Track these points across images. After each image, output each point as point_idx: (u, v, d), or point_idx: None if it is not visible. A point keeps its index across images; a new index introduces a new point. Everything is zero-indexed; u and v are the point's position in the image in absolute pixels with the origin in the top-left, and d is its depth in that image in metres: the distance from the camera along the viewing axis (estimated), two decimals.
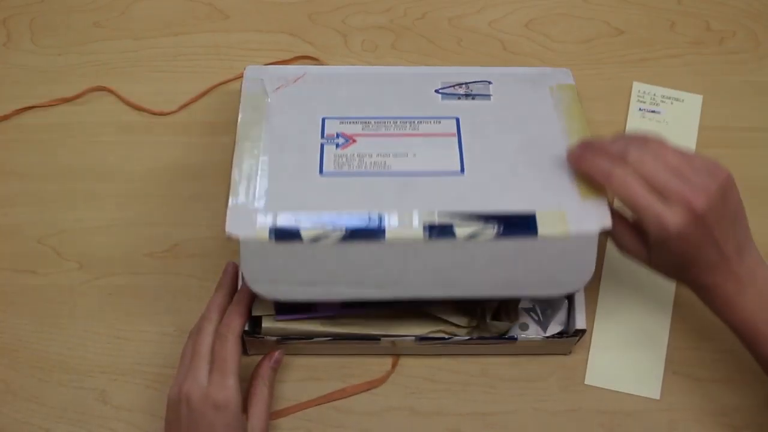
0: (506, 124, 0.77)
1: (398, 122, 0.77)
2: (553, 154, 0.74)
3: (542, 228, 0.69)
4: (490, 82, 0.81)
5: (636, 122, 0.90)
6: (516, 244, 0.69)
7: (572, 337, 0.77)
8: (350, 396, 0.80)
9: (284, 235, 0.68)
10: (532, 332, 0.78)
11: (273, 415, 0.78)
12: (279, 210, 0.69)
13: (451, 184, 0.72)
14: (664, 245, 0.66)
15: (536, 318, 0.78)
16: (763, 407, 0.80)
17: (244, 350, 0.79)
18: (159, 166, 0.88)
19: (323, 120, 0.77)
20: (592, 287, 0.83)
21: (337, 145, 0.75)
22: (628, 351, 0.82)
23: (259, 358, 0.80)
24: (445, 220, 0.69)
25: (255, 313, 0.76)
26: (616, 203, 0.70)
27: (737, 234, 0.68)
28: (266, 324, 0.76)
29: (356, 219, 0.69)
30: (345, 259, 0.69)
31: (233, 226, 0.68)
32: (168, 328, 0.82)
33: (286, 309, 0.75)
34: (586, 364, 0.81)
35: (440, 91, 0.80)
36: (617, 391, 0.81)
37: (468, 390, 0.80)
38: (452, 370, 0.81)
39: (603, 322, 0.83)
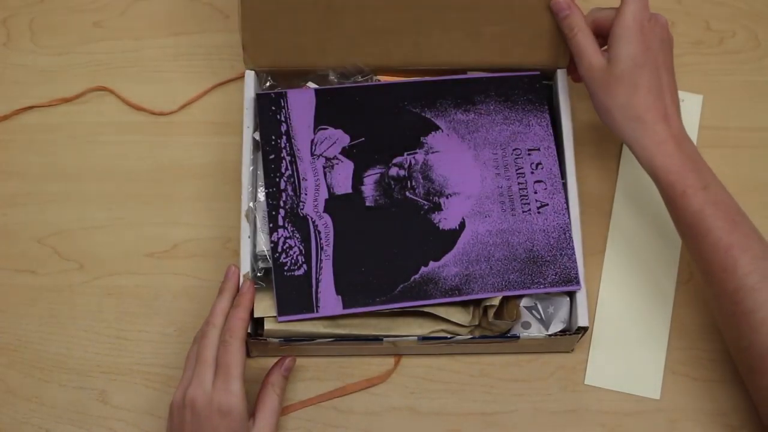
0: None
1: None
2: None
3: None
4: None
5: None
6: None
7: (575, 334, 0.77)
8: (351, 394, 0.80)
9: None
10: (535, 331, 0.78)
11: None
12: None
13: None
14: (627, 34, 0.75)
15: (538, 316, 0.78)
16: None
17: (248, 353, 0.79)
18: (159, 166, 0.88)
19: None
20: (593, 287, 0.83)
21: None
22: (628, 351, 0.82)
23: (262, 359, 0.80)
24: None
25: (257, 315, 0.76)
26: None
27: (675, 89, 0.77)
28: (268, 326, 0.76)
29: None
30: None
31: None
32: (168, 328, 0.82)
33: (287, 310, 0.75)
34: (586, 363, 0.81)
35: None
36: (617, 391, 0.81)
37: (468, 390, 0.80)
38: (452, 370, 0.81)
39: (603, 323, 0.83)
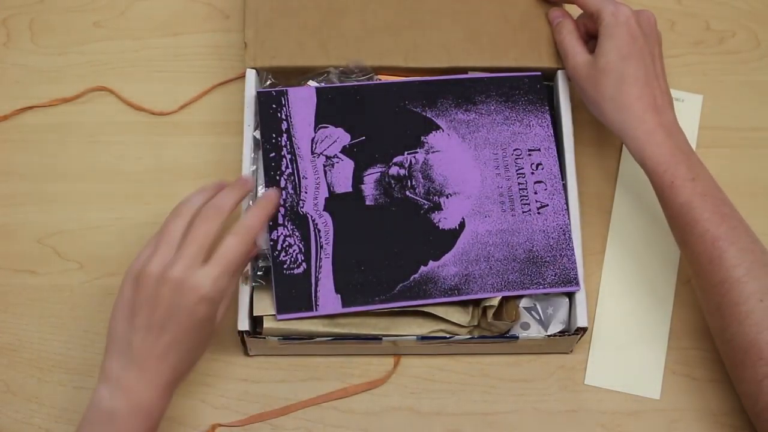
0: None
1: None
2: None
3: None
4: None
5: None
6: None
7: (574, 335, 0.77)
8: (351, 395, 0.80)
9: None
10: (534, 331, 0.78)
11: (274, 413, 0.79)
12: None
13: None
14: (612, 28, 0.77)
15: (537, 317, 0.78)
16: None
17: (246, 351, 0.79)
18: (159, 166, 0.88)
19: None
20: (592, 287, 0.83)
21: None
22: (628, 351, 0.82)
23: (262, 359, 0.80)
24: None
25: (256, 313, 0.76)
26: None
27: (665, 83, 0.79)
28: (267, 324, 0.76)
29: None
30: None
31: None
32: None
33: (286, 308, 0.75)
34: (586, 364, 0.81)
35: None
36: (617, 391, 0.81)
37: (468, 390, 0.80)
38: (452, 370, 0.81)
39: (603, 323, 0.83)
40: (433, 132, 0.81)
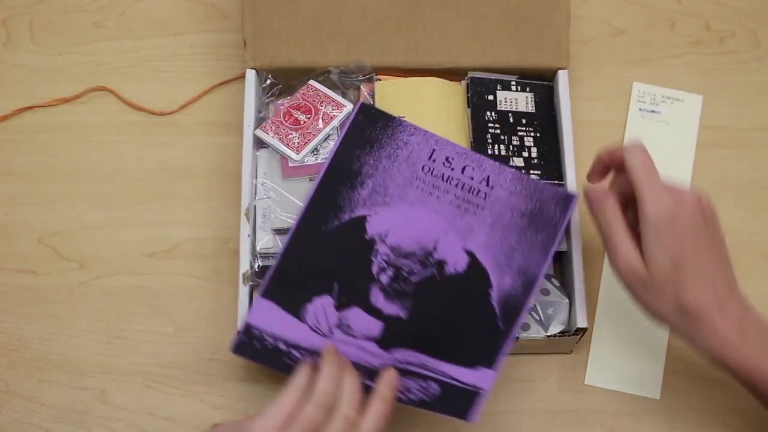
0: None
1: None
2: None
3: None
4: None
5: (636, 122, 0.90)
6: None
7: (573, 335, 0.77)
8: None
9: None
10: (534, 332, 0.78)
11: None
12: None
13: None
14: (656, 233, 0.67)
15: (537, 318, 0.78)
16: (761, 408, 0.80)
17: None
18: (159, 166, 0.88)
19: None
20: (593, 288, 0.83)
21: None
22: (628, 351, 0.82)
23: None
24: None
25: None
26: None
27: (726, 264, 0.69)
28: None
29: None
30: None
31: None
32: (168, 328, 0.82)
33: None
34: (586, 364, 0.81)
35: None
36: (617, 391, 0.81)
37: None
38: None
39: (603, 323, 0.83)
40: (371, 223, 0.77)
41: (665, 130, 0.89)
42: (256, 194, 0.80)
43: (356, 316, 0.74)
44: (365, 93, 0.84)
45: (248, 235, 0.78)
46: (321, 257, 0.75)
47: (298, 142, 0.82)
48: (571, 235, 0.79)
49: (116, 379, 0.81)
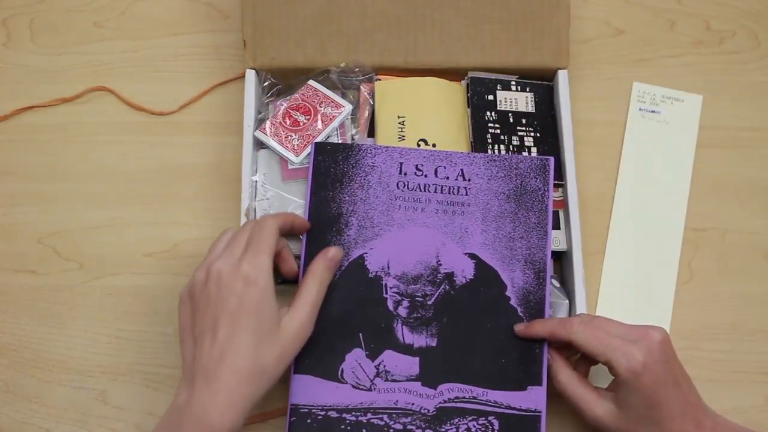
0: None
1: None
2: None
3: None
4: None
5: (636, 122, 0.90)
6: None
7: None
8: None
9: None
10: None
11: (274, 413, 0.78)
12: None
13: None
14: (632, 384, 0.69)
15: None
16: (762, 407, 0.80)
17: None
18: (159, 166, 0.88)
19: None
20: (592, 287, 0.83)
21: None
22: None
23: None
24: None
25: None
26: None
27: (692, 389, 0.71)
28: None
29: None
30: None
31: None
32: (168, 328, 0.82)
33: None
34: None
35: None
36: None
37: None
38: None
39: None
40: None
41: (665, 130, 0.89)
42: (256, 195, 0.80)
43: (391, 359, 0.73)
44: (365, 93, 0.84)
45: None
46: (335, 312, 0.74)
47: (297, 144, 0.82)
48: (571, 235, 0.79)
49: (116, 379, 0.81)
